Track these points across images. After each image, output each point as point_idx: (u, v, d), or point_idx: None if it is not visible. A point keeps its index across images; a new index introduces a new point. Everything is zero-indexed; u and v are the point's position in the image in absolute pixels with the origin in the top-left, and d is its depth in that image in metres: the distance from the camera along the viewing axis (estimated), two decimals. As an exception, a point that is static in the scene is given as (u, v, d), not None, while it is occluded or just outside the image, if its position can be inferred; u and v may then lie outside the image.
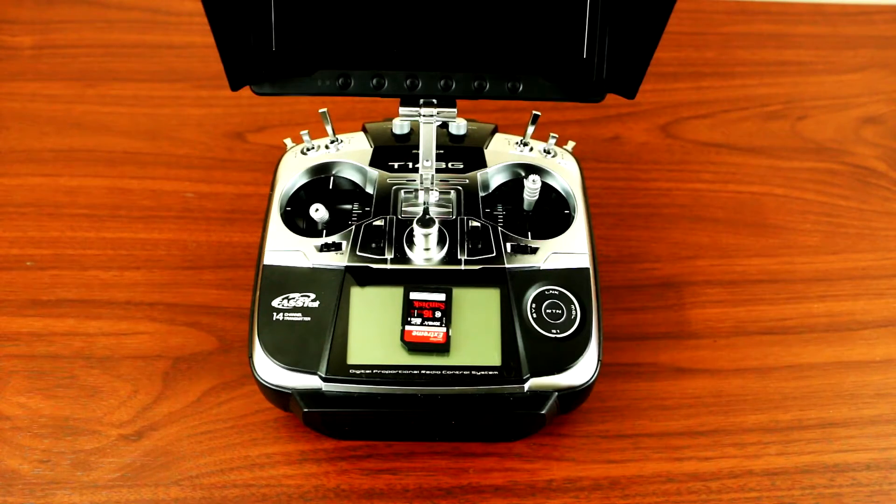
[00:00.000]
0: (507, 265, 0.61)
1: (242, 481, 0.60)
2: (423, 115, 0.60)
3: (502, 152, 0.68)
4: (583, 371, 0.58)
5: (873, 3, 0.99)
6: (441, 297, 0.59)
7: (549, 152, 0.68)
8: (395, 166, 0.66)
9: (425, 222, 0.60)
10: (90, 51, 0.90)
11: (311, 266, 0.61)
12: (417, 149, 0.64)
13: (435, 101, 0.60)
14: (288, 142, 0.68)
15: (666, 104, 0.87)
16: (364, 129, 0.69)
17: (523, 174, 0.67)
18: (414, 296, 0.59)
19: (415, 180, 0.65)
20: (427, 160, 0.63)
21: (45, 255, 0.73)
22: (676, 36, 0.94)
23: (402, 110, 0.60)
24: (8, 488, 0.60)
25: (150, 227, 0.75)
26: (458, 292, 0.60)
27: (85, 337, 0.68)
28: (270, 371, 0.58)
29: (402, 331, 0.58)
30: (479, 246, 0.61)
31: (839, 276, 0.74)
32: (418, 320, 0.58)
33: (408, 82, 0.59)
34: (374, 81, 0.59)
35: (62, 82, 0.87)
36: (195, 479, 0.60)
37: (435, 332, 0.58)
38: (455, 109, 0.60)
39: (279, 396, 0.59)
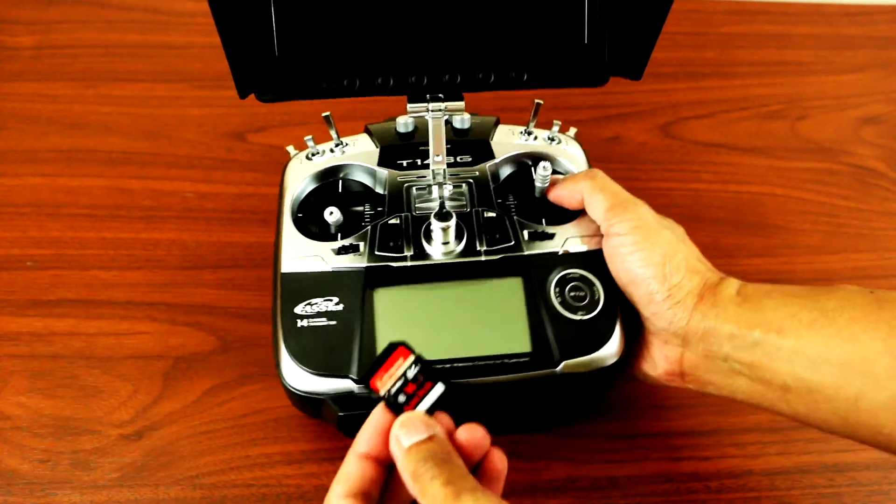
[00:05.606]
0: (526, 252, 0.61)
1: (242, 481, 0.60)
2: (431, 111, 0.60)
3: (508, 143, 0.68)
4: (612, 348, 0.58)
5: (873, 3, 0.99)
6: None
7: (553, 139, 0.68)
8: (404, 164, 0.66)
9: (443, 216, 0.60)
10: (90, 51, 0.90)
11: (331, 269, 0.60)
12: (424, 146, 0.64)
13: (442, 95, 0.60)
14: (290, 149, 0.68)
15: (666, 104, 0.87)
16: (367, 131, 0.69)
17: (530, 162, 0.67)
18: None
19: (425, 176, 0.65)
20: (438, 155, 0.63)
21: (45, 256, 0.73)
22: (676, 36, 0.94)
23: (411, 107, 0.60)
24: (8, 488, 0.60)
25: (151, 227, 0.75)
26: (481, 284, 0.59)
27: (85, 337, 0.68)
28: (300, 378, 0.57)
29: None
30: (497, 236, 0.61)
31: (839, 276, 0.74)
32: None
33: (413, 79, 0.59)
34: (380, 80, 0.59)
35: (62, 82, 0.87)
36: (195, 478, 0.60)
37: None
38: (462, 102, 0.60)
39: (310, 403, 0.58)
